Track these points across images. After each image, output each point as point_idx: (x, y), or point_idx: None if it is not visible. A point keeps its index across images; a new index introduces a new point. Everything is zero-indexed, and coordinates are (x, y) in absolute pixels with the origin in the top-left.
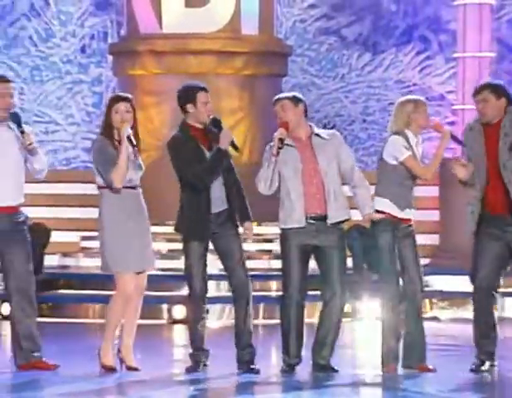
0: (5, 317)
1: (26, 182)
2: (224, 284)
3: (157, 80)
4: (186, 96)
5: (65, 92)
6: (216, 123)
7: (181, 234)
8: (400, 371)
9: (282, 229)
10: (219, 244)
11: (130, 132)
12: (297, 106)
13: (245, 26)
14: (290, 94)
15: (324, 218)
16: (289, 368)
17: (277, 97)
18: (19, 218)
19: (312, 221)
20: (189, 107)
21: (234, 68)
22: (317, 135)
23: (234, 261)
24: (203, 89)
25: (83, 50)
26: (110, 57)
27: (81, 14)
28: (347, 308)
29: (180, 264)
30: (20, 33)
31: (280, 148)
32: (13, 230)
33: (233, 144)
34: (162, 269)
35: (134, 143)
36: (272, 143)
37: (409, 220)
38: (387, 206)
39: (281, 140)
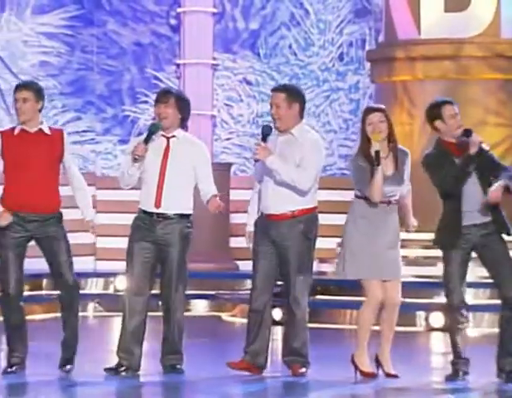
0: (277, 323)
1: None
2: (485, 292)
3: (415, 86)
4: (433, 113)
5: (322, 100)
6: (468, 133)
7: (438, 247)
8: None
9: None
10: (486, 255)
11: (378, 147)
12: None
13: (505, 29)
14: None
15: None
16: None
17: None
18: (292, 226)
19: None
20: (438, 123)
21: (494, 73)
22: None
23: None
24: (448, 102)
25: (341, 57)
26: (368, 64)
27: (340, 22)
28: None
29: (436, 271)
30: (280, 42)
31: None
32: (286, 237)
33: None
34: (419, 276)
35: (379, 160)
36: None
37: None
38: None
39: None
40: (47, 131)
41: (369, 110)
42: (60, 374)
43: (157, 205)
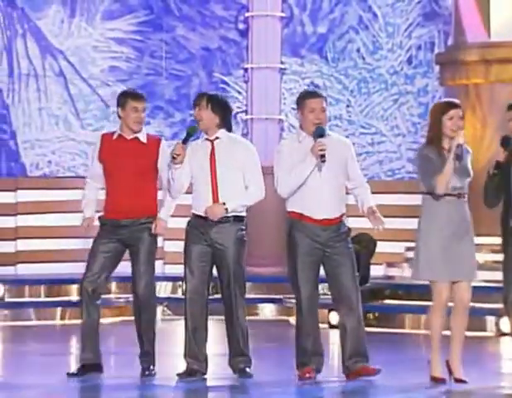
0: (332, 326)
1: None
2: None
3: (485, 89)
4: None
5: (390, 103)
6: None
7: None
8: None
9: None
10: None
11: (462, 142)
12: None
13: None
14: None
15: None
16: None
17: None
18: (341, 229)
19: None
20: None
21: None
22: None
23: None
24: None
25: (409, 61)
26: (437, 67)
27: (408, 25)
28: None
29: None
30: (348, 46)
31: None
32: (336, 240)
33: None
34: (489, 281)
35: (461, 153)
36: None
37: None
38: None
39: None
40: (143, 139)
41: (451, 105)
42: (128, 376)
43: None
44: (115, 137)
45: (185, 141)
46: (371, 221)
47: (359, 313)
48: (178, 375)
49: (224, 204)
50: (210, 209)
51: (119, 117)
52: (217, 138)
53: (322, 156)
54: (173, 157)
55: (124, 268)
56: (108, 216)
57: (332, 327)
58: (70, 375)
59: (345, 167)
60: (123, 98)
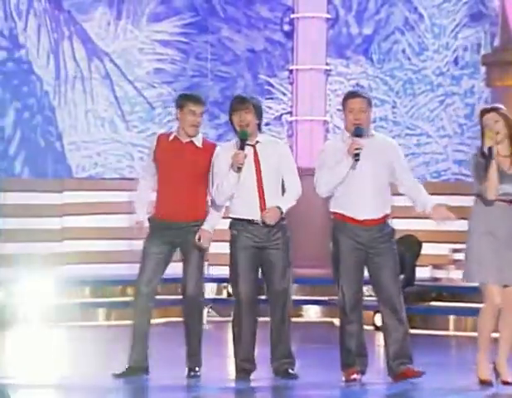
0: (378, 328)
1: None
2: None
3: None
4: None
5: (436, 104)
6: None
7: None
8: None
9: None
10: None
11: (494, 147)
12: None
13: None
14: None
15: None
16: None
17: None
18: (384, 230)
19: None
20: None
21: None
22: None
23: None
24: None
25: (455, 62)
26: (483, 68)
27: (455, 26)
28: None
29: None
30: (393, 47)
31: None
32: (379, 241)
33: None
34: None
35: (492, 156)
36: None
37: None
38: None
39: None
40: (198, 143)
41: (484, 111)
42: (174, 377)
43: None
44: (171, 138)
45: (242, 148)
46: (441, 218)
47: (401, 314)
48: (235, 376)
49: (278, 207)
50: (268, 214)
51: (177, 118)
52: (257, 142)
53: (356, 155)
54: (238, 168)
55: (169, 269)
56: (160, 217)
57: (378, 329)
58: (115, 376)
59: (390, 168)
60: (182, 100)
